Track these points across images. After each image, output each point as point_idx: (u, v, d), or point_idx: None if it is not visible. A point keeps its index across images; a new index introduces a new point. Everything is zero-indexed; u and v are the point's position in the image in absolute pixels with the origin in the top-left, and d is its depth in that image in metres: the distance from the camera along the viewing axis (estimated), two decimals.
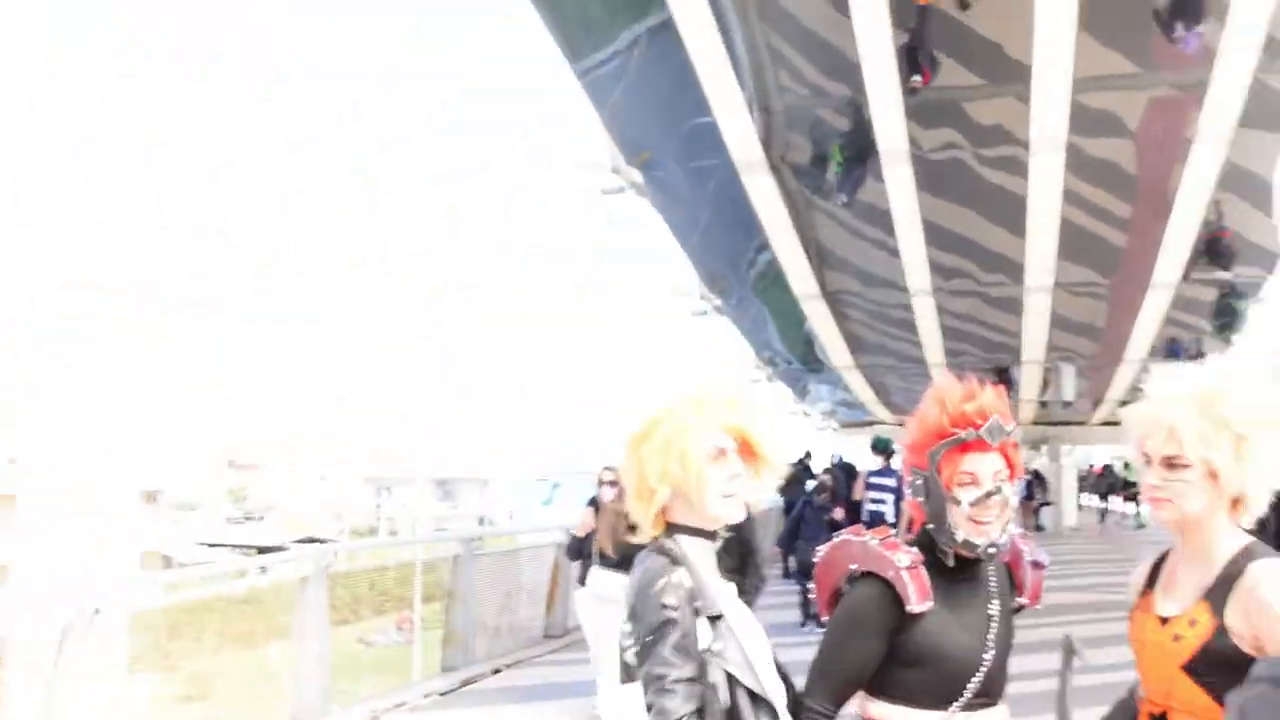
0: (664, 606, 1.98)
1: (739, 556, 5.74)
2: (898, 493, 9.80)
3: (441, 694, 8.00)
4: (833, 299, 14.00)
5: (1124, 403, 18.76)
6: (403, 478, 59.29)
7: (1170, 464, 2.03)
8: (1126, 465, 32.82)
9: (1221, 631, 1.97)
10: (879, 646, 2.16)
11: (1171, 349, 15.79)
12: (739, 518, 2.14)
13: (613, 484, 6.43)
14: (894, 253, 11.63)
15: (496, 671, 8.87)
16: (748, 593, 5.43)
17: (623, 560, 5.87)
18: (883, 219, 10.65)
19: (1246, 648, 1.93)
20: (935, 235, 11.25)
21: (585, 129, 11.39)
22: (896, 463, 12.07)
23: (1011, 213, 10.58)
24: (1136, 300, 13.03)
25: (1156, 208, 10.45)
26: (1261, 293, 12.74)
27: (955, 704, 2.14)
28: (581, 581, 6.79)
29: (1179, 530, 2.09)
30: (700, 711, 1.93)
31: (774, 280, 13.31)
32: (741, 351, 18.80)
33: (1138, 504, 30.99)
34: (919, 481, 2.22)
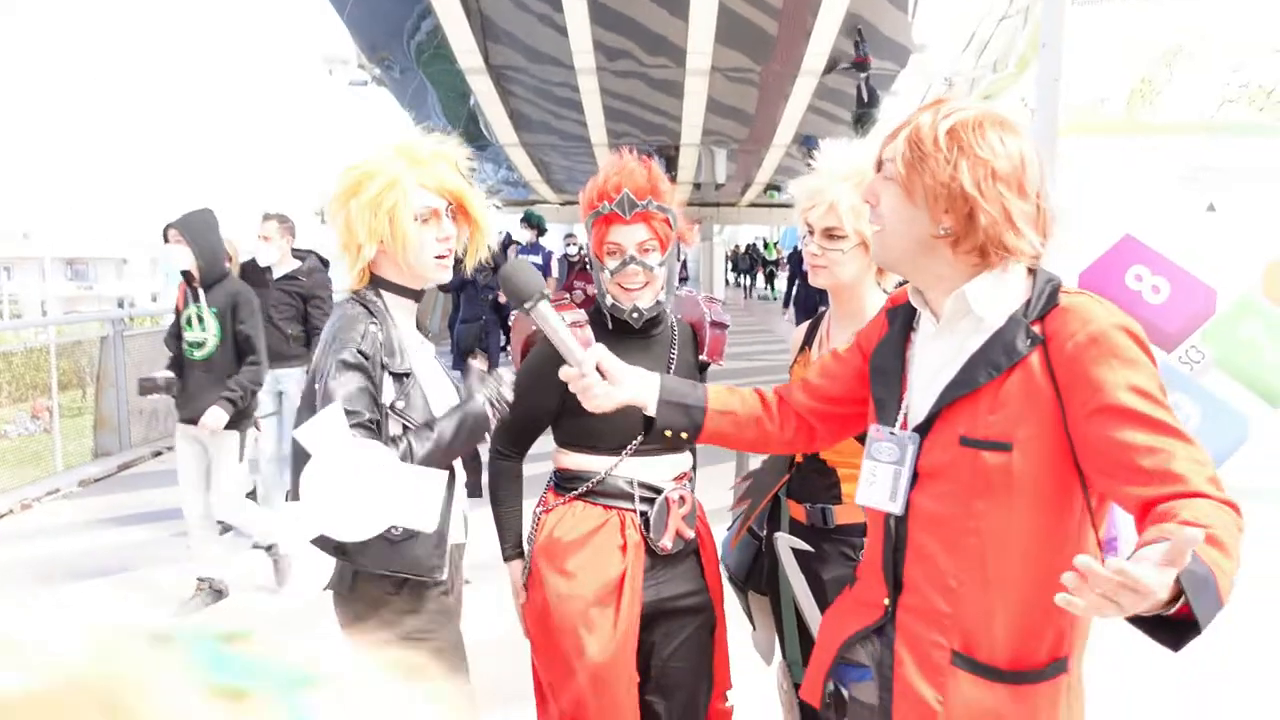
0: (359, 353, 1.98)
1: None
2: (545, 268, 10.11)
3: (96, 480, 7.59)
4: (498, 74, 13.67)
5: (769, 187, 20.08)
6: (23, 256, 53.24)
7: (829, 235, 2.23)
8: (766, 245, 35.49)
9: None
10: (552, 398, 2.27)
11: (806, 141, 16.93)
12: (446, 279, 2.15)
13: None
14: (561, 30, 11.45)
15: (157, 454, 8.56)
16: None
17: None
18: None
19: None
20: (600, 14, 11.15)
21: None
22: (547, 239, 12.33)
23: None
24: (786, 88, 13.73)
25: None
26: (894, 86, 13.75)
27: (627, 449, 2.31)
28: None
29: (835, 294, 2.33)
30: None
31: (437, 51, 12.76)
32: (404, 126, 18.08)
33: (772, 281, 33.78)
34: (585, 253, 2.37)
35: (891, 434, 1.64)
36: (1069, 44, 2.59)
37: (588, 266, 10.57)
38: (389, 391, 2.02)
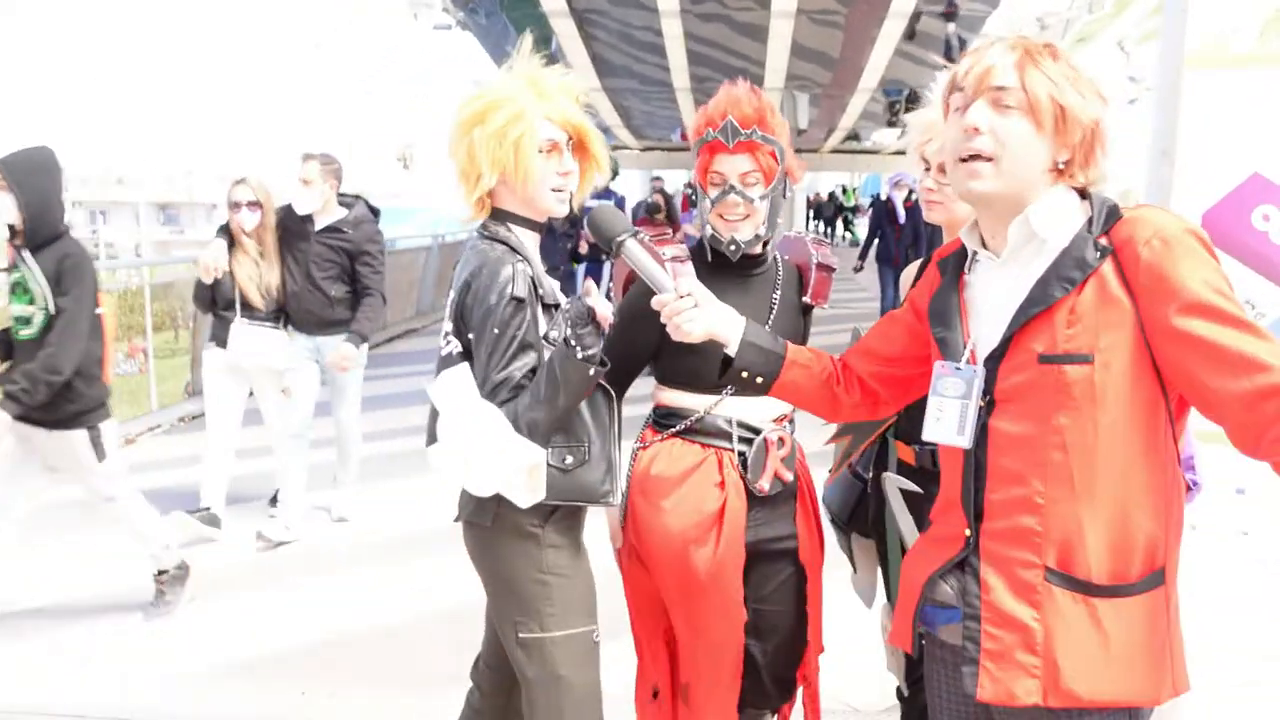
0: (514, 299, 1.98)
1: None
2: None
3: (194, 417, 7.82)
4: (580, 17, 13.61)
5: (850, 136, 19.56)
6: (118, 201, 54.68)
7: (943, 168, 2.17)
8: (845, 191, 34.89)
9: None
10: (650, 334, 2.25)
11: (888, 91, 16.58)
12: (563, 212, 2.15)
13: (254, 205, 4.76)
14: None
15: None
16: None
17: (277, 313, 4.91)
18: None
19: None
20: None
21: None
22: (619, 184, 12.25)
23: None
24: (872, 30, 13.44)
25: None
26: (984, 28, 13.38)
27: (727, 388, 2.29)
28: (220, 343, 4.88)
29: (949, 230, 2.27)
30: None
31: None
32: (486, 71, 18.13)
33: (850, 227, 33.23)
34: (667, 196, 2.35)
35: (957, 369, 1.63)
36: None
37: (656, 213, 10.71)
38: (542, 324, 2.04)
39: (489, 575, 2.12)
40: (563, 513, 2.08)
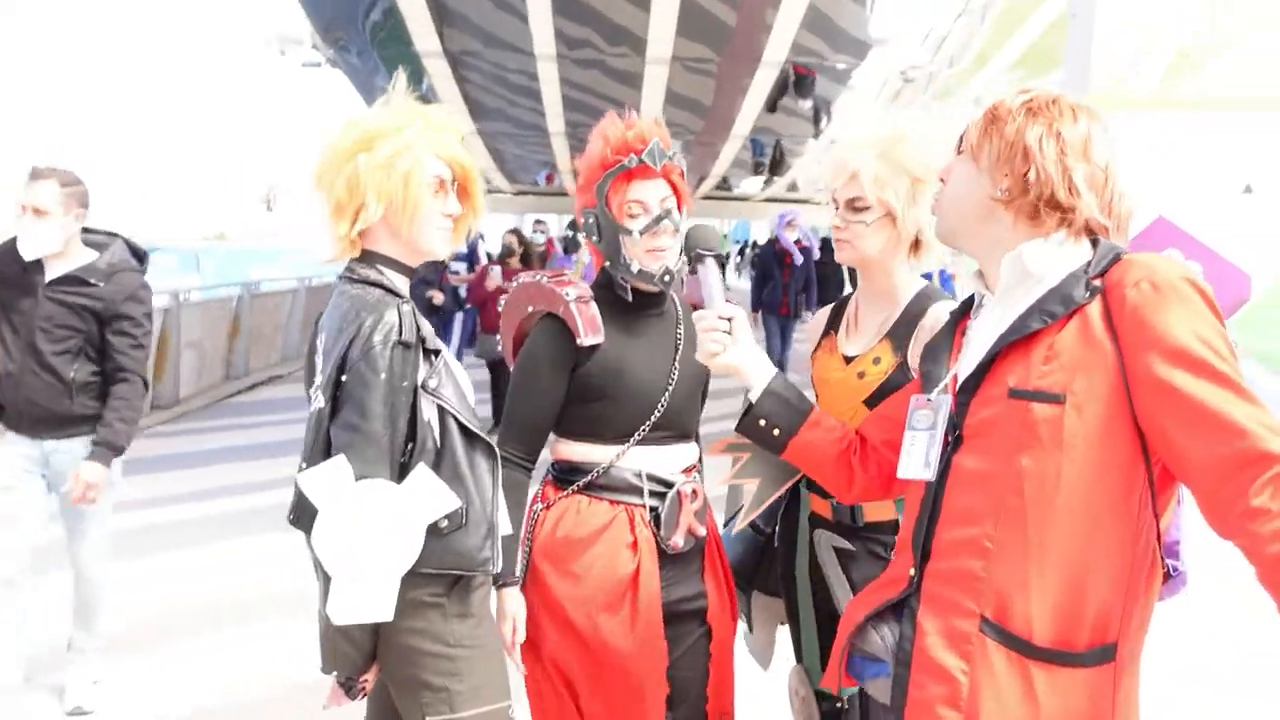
0: (401, 344, 1.80)
1: None
2: (471, 255, 10.06)
3: None
4: (455, 59, 13.46)
5: (720, 184, 20.01)
6: None
7: (852, 206, 2.11)
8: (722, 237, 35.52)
9: (903, 368, 2.09)
10: (559, 384, 2.14)
11: (755, 141, 16.99)
12: (445, 255, 1.99)
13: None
14: (520, 16, 11.29)
15: None
16: None
17: None
18: None
19: None
20: (561, 3, 11.03)
21: None
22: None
23: None
24: (744, 80, 13.67)
25: None
26: (851, 80, 13.75)
27: (634, 437, 2.17)
28: None
29: (863, 270, 2.20)
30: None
31: (393, 33, 12.52)
32: (357, 110, 17.77)
33: (723, 269, 33.86)
34: (591, 220, 2.18)
35: (928, 399, 1.58)
36: (1101, 12, 2.48)
37: (509, 257, 9.30)
38: (421, 370, 1.85)
39: (388, 651, 1.91)
40: (465, 580, 1.90)
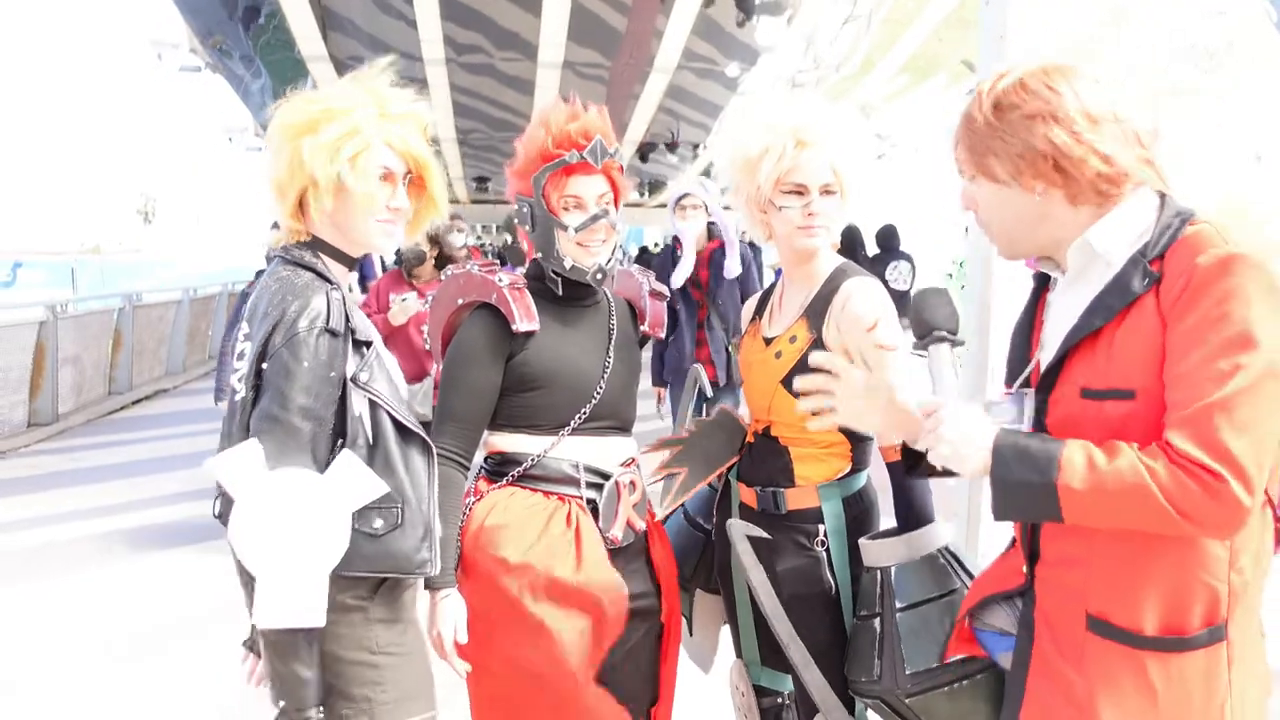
0: (327, 331, 1.70)
1: None
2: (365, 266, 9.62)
3: None
4: (339, 63, 13.18)
5: None
6: None
7: (826, 190, 2.09)
8: None
9: (817, 345, 2.08)
10: (495, 374, 2.09)
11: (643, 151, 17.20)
12: (387, 250, 1.89)
13: None
14: (408, 21, 11.13)
15: None
16: None
17: None
18: None
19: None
20: (450, 8, 10.90)
21: None
22: None
23: None
24: (635, 86, 13.73)
25: None
26: (741, 87, 13.93)
27: (568, 427, 2.13)
28: None
29: (803, 258, 2.18)
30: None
31: (276, 37, 12.22)
32: (239, 118, 17.29)
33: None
34: (525, 209, 2.13)
35: (1008, 393, 1.56)
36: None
37: (420, 263, 9.89)
38: (351, 362, 1.75)
39: None
40: (391, 582, 1.81)
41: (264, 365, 1.70)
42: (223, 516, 1.73)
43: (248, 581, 1.71)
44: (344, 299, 1.78)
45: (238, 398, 1.74)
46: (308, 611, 1.65)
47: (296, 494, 1.66)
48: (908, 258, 9.74)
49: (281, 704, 1.71)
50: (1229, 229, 1.39)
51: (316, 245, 1.83)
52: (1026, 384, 1.57)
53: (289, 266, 1.79)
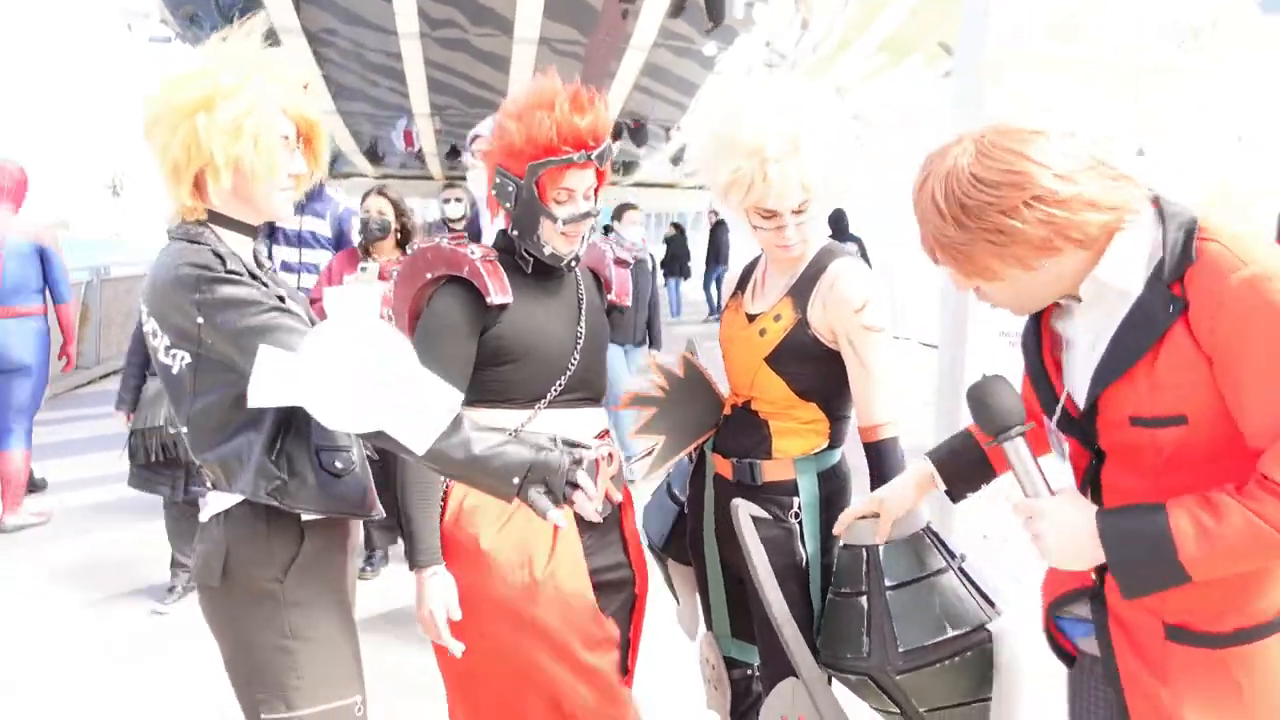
0: (231, 273, 1.68)
1: None
2: (339, 237, 9.25)
3: None
4: (312, 36, 13.03)
5: None
6: None
7: (798, 211, 2.07)
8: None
9: (803, 325, 2.10)
10: (469, 348, 2.07)
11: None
12: (288, 216, 1.87)
13: None
14: None
15: None
16: None
17: None
18: None
19: (824, 340, 2.09)
20: None
21: None
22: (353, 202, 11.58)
23: None
24: (611, 64, 13.64)
25: None
26: (717, 67, 13.86)
27: (544, 400, 2.12)
28: None
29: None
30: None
31: (248, 8, 12.04)
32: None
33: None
34: (510, 187, 2.10)
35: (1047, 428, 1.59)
36: None
37: (384, 236, 9.63)
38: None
39: (224, 645, 1.81)
40: (306, 561, 1.78)
41: (199, 322, 1.67)
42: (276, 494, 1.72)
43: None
44: (240, 264, 1.75)
45: (174, 371, 1.72)
46: (446, 414, 1.63)
47: (338, 341, 1.59)
48: (857, 239, 9.90)
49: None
50: (1239, 239, 1.37)
51: (213, 219, 1.80)
52: (1065, 415, 1.56)
53: (179, 241, 1.77)
